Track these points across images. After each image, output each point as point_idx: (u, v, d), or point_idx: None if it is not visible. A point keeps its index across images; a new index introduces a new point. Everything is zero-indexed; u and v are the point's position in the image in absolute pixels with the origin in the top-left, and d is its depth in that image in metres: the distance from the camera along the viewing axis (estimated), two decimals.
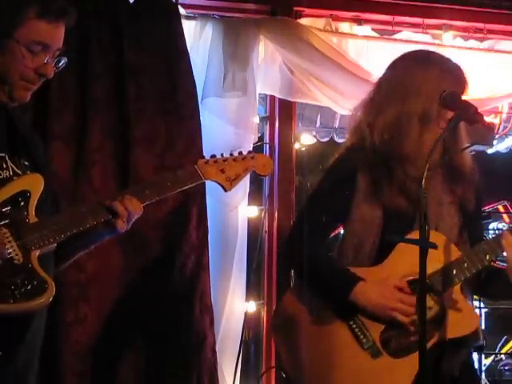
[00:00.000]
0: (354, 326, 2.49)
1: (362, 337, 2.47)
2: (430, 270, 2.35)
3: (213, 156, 2.33)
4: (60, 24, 2.12)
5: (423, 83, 2.52)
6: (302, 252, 2.60)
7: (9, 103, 2.12)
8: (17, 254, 1.98)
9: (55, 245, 2.10)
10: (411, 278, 2.44)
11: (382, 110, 2.55)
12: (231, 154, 2.37)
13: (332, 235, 2.77)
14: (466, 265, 2.42)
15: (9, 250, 1.97)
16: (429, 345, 2.33)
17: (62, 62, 2.15)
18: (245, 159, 2.37)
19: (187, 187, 2.27)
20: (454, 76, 2.55)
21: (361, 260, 2.54)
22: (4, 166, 2.07)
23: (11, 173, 2.08)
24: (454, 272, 2.42)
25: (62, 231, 2.07)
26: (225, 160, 2.34)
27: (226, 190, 2.34)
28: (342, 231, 2.72)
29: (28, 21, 2.06)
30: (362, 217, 2.55)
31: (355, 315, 2.49)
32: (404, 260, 2.44)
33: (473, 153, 2.70)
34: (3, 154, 2.08)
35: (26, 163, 2.13)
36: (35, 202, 2.07)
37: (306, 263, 2.60)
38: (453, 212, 2.54)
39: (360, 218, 2.56)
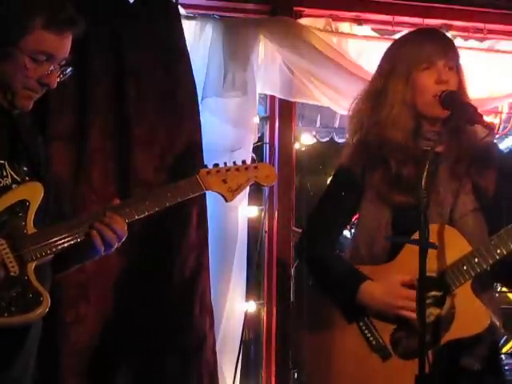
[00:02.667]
0: (364, 327, 2.45)
1: (371, 338, 2.44)
2: (439, 266, 2.35)
3: (216, 165, 2.29)
4: (67, 34, 2.08)
5: (396, 63, 2.52)
6: (310, 251, 2.61)
7: (11, 110, 2.10)
8: (13, 266, 1.96)
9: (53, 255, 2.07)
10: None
11: (374, 101, 2.57)
12: (234, 163, 2.33)
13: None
14: (476, 260, 2.34)
15: (5, 262, 1.95)
16: (442, 342, 2.30)
17: (68, 71, 2.13)
18: (248, 169, 2.33)
19: (188, 197, 2.23)
20: (431, 45, 2.50)
21: (375, 256, 2.50)
22: (4, 173, 2.05)
23: (10, 180, 2.05)
24: (465, 268, 2.35)
25: (60, 243, 2.04)
26: (227, 170, 2.30)
27: (227, 201, 2.31)
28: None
29: (34, 31, 2.02)
30: (372, 214, 2.52)
31: (365, 316, 2.46)
32: (414, 258, 2.30)
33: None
34: (3, 161, 2.05)
35: (26, 169, 2.10)
36: (34, 212, 2.04)
37: (314, 263, 2.61)
38: (467, 199, 2.47)
39: (370, 215, 2.53)
